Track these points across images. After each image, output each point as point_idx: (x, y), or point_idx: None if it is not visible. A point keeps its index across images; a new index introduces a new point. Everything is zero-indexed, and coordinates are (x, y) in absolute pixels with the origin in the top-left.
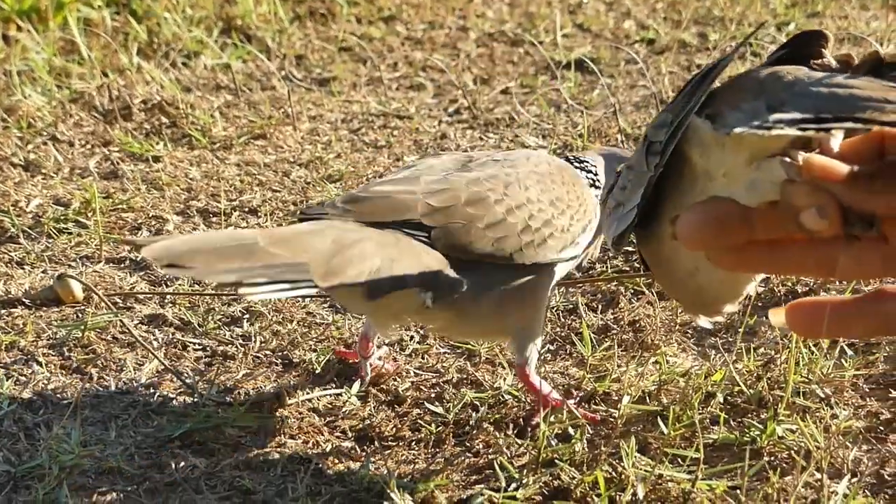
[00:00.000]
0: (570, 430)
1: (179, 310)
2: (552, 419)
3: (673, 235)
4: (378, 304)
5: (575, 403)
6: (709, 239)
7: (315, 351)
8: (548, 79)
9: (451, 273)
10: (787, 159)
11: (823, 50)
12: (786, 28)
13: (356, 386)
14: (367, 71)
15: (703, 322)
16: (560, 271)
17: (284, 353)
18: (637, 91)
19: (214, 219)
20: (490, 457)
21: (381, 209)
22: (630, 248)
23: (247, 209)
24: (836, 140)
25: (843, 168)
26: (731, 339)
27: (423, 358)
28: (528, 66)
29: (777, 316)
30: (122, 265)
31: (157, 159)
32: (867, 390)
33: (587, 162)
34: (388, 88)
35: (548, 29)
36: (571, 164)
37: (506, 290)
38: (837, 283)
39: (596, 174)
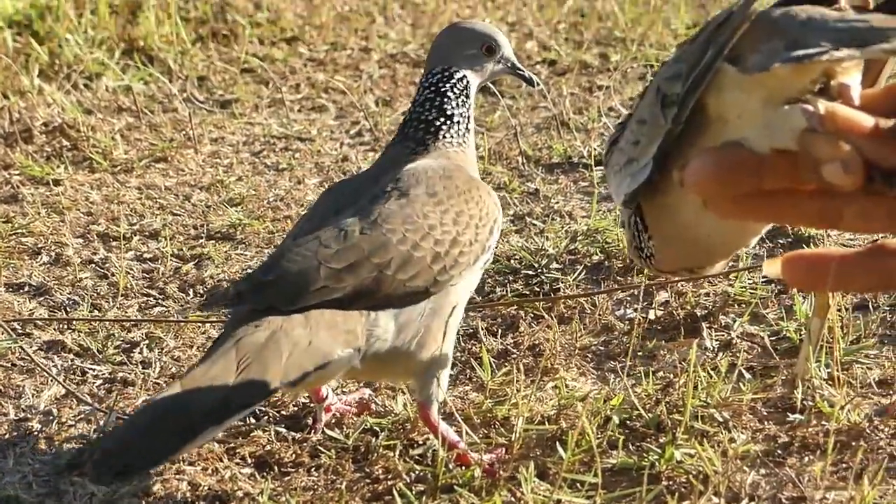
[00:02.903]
0: (469, 455)
1: (79, 335)
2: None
3: (680, 182)
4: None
5: (488, 463)
6: (717, 186)
7: None
8: None
9: (372, 328)
10: (809, 107)
11: None
12: None
13: (263, 418)
14: (269, 92)
15: (709, 271)
16: (471, 282)
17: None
18: (538, 112)
19: (114, 243)
20: (389, 482)
21: (286, 292)
22: (529, 272)
23: (147, 233)
24: (857, 91)
25: (868, 121)
26: (630, 364)
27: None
28: None
29: (772, 266)
30: (21, 290)
31: (57, 183)
32: (765, 414)
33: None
34: (290, 110)
35: None
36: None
37: (424, 324)
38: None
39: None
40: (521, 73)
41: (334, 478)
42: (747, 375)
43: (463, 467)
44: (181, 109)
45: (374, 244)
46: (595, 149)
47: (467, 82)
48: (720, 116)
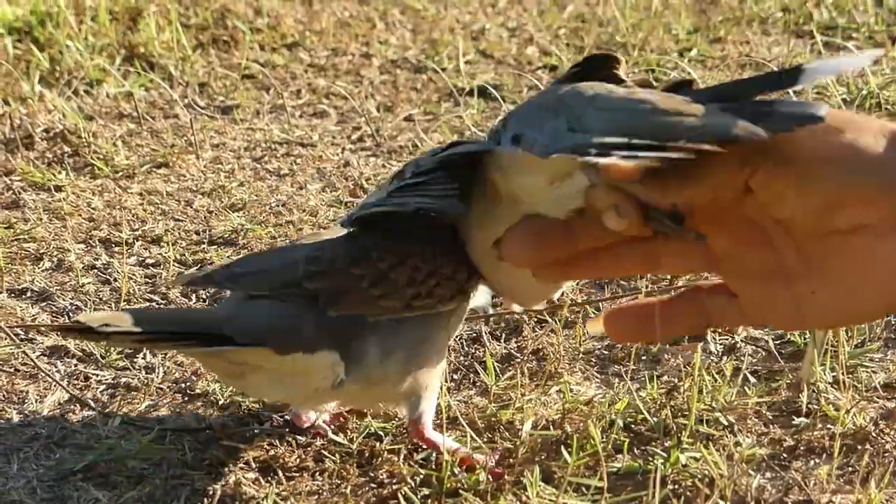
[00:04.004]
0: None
1: (81, 341)
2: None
3: (499, 257)
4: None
5: (489, 460)
6: (535, 257)
7: (219, 382)
8: (451, 106)
9: (357, 336)
10: (590, 163)
11: (617, 72)
12: (688, 54)
13: (267, 423)
14: (270, 98)
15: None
16: (459, 317)
17: (188, 384)
18: None
19: (117, 249)
20: (394, 487)
21: (261, 281)
22: None
23: (150, 239)
24: None
25: (633, 164)
26: (634, 368)
27: None
28: (432, 92)
29: (595, 326)
30: (24, 296)
31: (59, 189)
32: (770, 417)
33: None
34: (292, 116)
35: (451, 56)
36: None
37: (411, 347)
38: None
39: None
40: None
41: (339, 482)
42: (752, 379)
43: (468, 470)
44: (182, 115)
45: (356, 255)
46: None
47: None
48: (511, 194)
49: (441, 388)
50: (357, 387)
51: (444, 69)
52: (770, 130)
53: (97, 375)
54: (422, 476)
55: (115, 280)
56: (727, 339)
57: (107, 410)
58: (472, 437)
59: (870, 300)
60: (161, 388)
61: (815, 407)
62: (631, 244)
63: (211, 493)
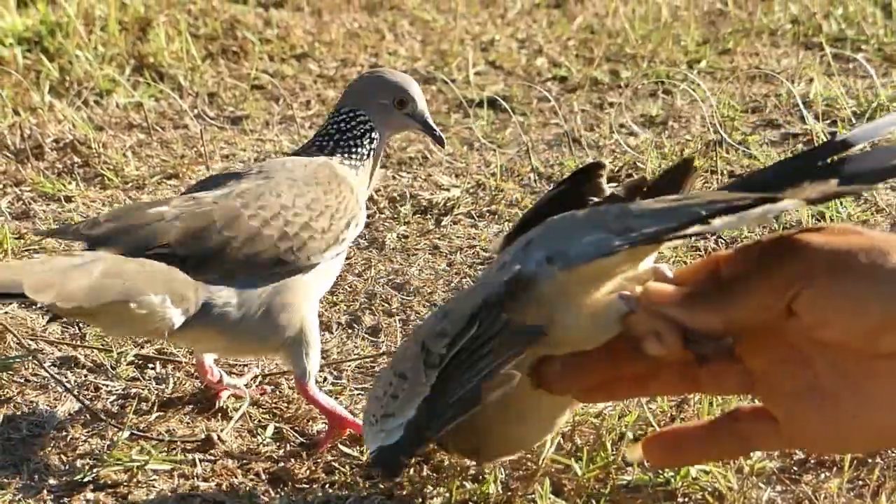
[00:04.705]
0: (485, 471)
1: (92, 351)
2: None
3: (536, 386)
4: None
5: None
6: (573, 383)
7: (230, 395)
8: (460, 117)
9: (203, 292)
10: (626, 292)
11: (600, 181)
12: (697, 65)
13: (270, 428)
14: (279, 109)
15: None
16: (327, 271)
17: (197, 395)
18: (549, 129)
19: None
20: (404, 498)
21: (128, 239)
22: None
23: None
24: (667, 267)
25: (676, 290)
26: None
27: (336, 399)
28: (441, 104)
29: (634, 452)
30: (35, 307)
31: (69, 199)
32: None
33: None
34: (301, 127)
35: (460, 67)
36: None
37: (270, 301)
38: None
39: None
40: (432, 131)
41: (349, 493)
42: None
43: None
44: (192, 126)
45: (226, 215)
46: (607, 165)
47: (372, 128)
48: (550, 319)
49: None
50: (208, 332)
51: (453, 80)
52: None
53: (107, 386)
54: (432, 487)
55: None
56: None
57: (117, 421)
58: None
59: None
60: (171, 400)
61: None
62: (670, 366)
63: None
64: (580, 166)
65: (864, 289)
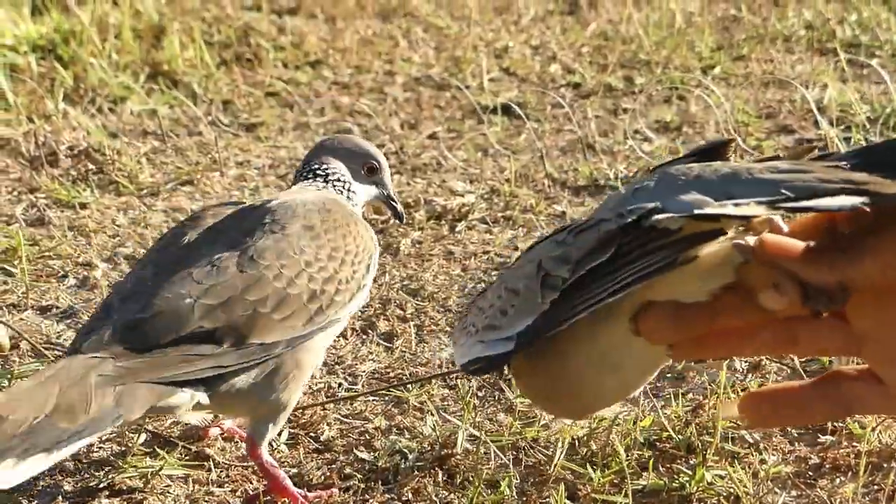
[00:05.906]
0: (498, 478)
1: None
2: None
3: (635, 332)
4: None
5: (313, 498)
6: (674, 332)
7: None
8: (475, 123)
9: (228, 365)
10: (741, 241)
11: (728, 157)
12: (711, 71)
13: (285, 433)
14: (293, 116)
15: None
16: (339, 326)
17: None
18: (563, 135)
19: None
20: None
21: (159, 332)
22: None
23: None
24: (780, 221)
25: (797, 244)
26: (659, 385)
27: (350, 405)
28: (455, 110)
29: (729, 410)
30: (49, 313)
31: (83, 206)
32: (796, 435)
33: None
34: (315, 133)
35: (474, 73)
36: (338, 190)
37: (280, 365)
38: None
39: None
40: (392, 204)
41: (364, 499)
42: None
43: (287, 502)
44: (206, 133)
45: (250, 280)
46: (621, 171)
47: (347, 179)
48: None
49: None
50: (224, 402)
51: (467, 87)
52: None
53: None
54: (447, 494)
55: None
56: (752, 357)
57: (132, 427)
58: (496, 454)
59: None
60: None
61: (841, 425)
62: (772, 323)
63: None
64: (672, 155)
65: None
